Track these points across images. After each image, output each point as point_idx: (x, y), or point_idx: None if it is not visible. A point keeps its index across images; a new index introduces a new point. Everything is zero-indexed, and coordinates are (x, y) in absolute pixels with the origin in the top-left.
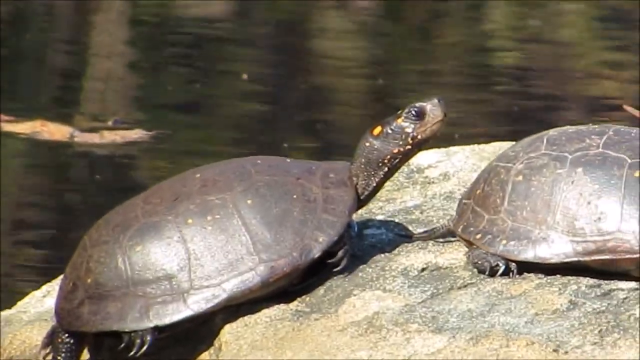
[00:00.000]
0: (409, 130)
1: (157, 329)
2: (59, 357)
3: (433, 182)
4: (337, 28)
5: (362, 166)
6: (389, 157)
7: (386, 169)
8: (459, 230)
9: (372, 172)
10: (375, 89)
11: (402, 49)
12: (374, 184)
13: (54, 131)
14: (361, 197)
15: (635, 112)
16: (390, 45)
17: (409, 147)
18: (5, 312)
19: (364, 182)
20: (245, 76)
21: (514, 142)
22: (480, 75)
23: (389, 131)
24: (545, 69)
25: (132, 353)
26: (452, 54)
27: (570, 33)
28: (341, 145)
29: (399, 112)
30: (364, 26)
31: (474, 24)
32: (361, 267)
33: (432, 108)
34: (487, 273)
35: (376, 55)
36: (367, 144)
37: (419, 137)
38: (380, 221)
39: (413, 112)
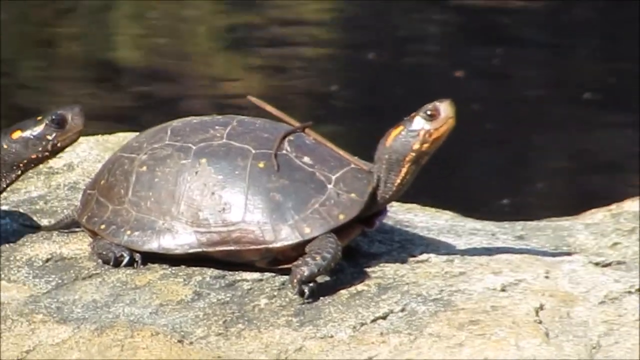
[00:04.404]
0: (50, 137)
1: None
2: None
3: (57, 173)
4: None
5: None
6: (25, 161)
7: (20, 172)
8: (84, 220)
9: (5, 174)
10: None
11: (22, 41)
12: (5, 185)
13: None
14: None
15: (260, 103)
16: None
17: (47, 153)
18: None
19: None
20: None
21: (138, 133)
22: (105, 72)
23: (30, 136)
24: (168, 68)
25: None
26: (75, 50)
27: (197, 41)
28: None
29: (40, 117)
30: None
31: (100, 24)
32: None
33: (74, 117)
34: (111, 263)
35: None
36: (6, 147)
37: (59, 145)
38: (4, 211)
39: (54, 120)
